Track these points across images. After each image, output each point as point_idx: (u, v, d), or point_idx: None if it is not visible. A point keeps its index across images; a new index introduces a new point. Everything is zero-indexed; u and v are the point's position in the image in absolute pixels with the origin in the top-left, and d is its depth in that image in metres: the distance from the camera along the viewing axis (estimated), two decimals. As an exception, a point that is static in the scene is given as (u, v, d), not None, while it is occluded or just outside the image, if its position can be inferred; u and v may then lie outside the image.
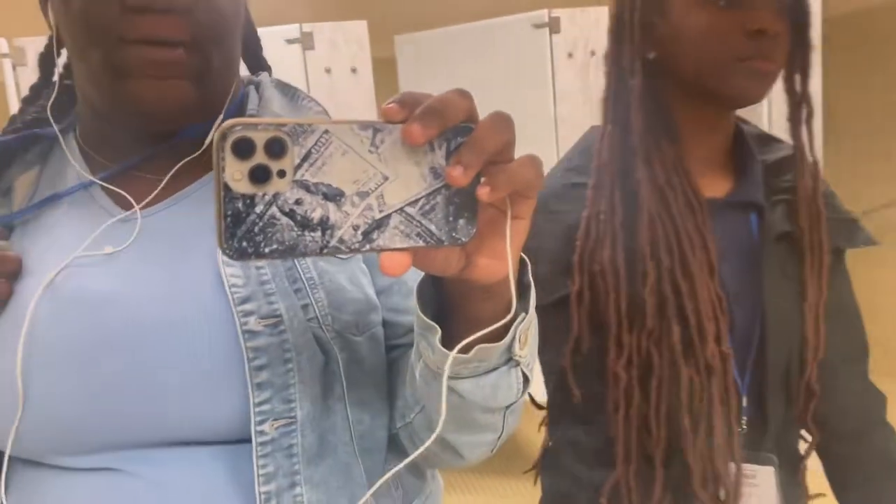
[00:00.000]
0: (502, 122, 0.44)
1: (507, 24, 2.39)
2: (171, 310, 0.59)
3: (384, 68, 2.86)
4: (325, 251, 0.42)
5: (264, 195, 0.40)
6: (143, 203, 0.65)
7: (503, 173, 0.44)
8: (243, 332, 0.58)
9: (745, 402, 0.90)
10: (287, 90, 0.74)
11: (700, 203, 0.87)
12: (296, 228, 0.41)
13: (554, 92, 2.38)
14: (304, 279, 0.63)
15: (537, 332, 0.58)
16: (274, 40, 2.42)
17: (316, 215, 0.42)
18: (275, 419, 0.58)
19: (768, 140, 1.00)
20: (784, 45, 0.86)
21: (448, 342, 0.53)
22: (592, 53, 2.39)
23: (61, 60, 0.71)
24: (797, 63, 0.90)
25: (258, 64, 0.78)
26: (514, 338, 0.53)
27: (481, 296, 0.51)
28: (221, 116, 0.66)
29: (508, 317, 0.51)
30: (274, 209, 0.41)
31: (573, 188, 0.92)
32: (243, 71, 0.75)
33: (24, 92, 0.74)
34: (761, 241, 0.91)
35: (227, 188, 0.40)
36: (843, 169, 3.79)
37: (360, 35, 2.50)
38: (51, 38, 0.70)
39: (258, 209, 0.40)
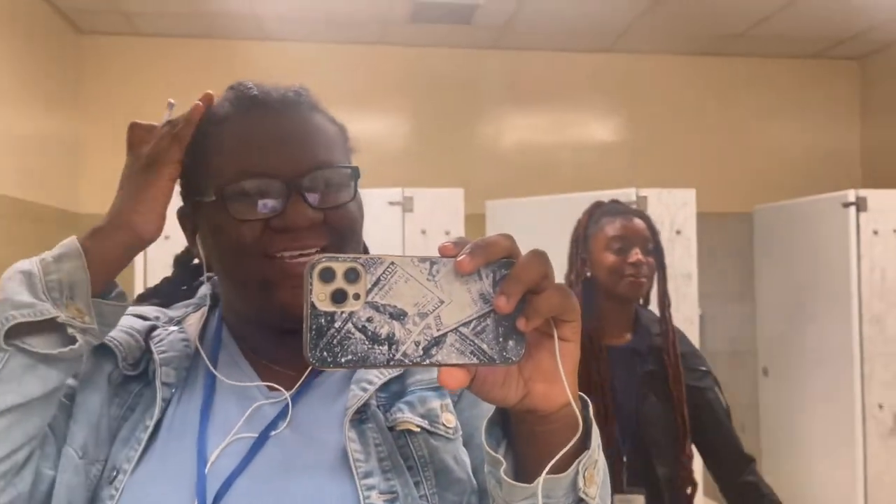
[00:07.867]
0: (539, 258, 0.50)
1: (588, 200, 2.62)
2: (300, 483, 0.64)
3: (473, 223, 3.04)
4: (391, 363, 0.48)
5: (342, 313, 0.47)
6: (293, 391, 0.71)
7: (536, 302, 0.50)
8: None
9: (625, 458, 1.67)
10: None
11: (602, 350, 1.73)
12: (367, 342, 0.47)
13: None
14: (415, 457, 0.67)
15: (607, 478, 0.60)
16: (377, 201, 2.68)
17: (384, 331, 0.48)
18: None
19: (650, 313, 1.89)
20: (650, 268, 1.77)
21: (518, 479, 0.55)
22: (678, 232, 2.62)
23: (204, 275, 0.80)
24: (661, 276, 1.86)
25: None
26: (577, 472, 0.54)
27: (545, 427, 0.54)
28: None
29: (574, 439, 0.54)
30: (349, 325, 0.47)
31: None
32: None
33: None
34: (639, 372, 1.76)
35: (313, 307, 0.47)
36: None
37: (456, 202, 2.71)
38: (187, 250, 0.79)
39: (337, 325, 0.47)
